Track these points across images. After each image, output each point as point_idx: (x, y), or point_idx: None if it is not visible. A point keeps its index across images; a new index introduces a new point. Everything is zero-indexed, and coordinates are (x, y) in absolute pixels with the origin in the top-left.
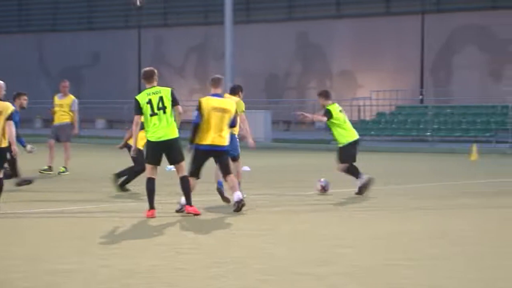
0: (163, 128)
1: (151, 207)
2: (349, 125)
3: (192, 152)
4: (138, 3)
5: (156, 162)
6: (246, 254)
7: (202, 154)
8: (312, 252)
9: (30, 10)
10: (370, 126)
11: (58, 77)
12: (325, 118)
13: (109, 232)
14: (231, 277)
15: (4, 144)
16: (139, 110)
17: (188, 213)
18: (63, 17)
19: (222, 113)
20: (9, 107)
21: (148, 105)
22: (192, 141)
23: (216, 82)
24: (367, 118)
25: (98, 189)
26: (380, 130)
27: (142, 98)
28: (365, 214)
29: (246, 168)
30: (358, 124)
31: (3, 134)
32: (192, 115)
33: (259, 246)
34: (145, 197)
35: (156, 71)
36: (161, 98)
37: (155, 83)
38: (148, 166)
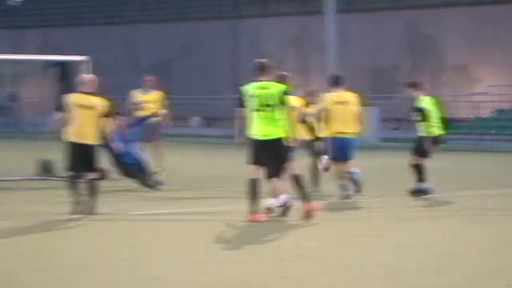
0: (265, 126)
1: (253, 210)
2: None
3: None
4: None
5: (260, 163)
6: (355, 261)
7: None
8: (422, 260)
9: (119, 0)
10: (489, 124)
11: (150, 72)
12: None
13: (207, 237)
14: (340, 285)
15: (94, 140)
16: (244, 103)
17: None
18: (153, 7)
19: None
20: (102, 103)
21: (255, 99)
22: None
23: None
24: (485, 116)
25: (194, 189)
26: (501, 128)
27: (251, 90)
28: (484, 217)
29: (357, 171)
30: (474, 122)
31: (95, 131)
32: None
33: (367, 252)
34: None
35: (270, 64)
36: (269, 94)
37: (265, 77)
38: (251, 166)
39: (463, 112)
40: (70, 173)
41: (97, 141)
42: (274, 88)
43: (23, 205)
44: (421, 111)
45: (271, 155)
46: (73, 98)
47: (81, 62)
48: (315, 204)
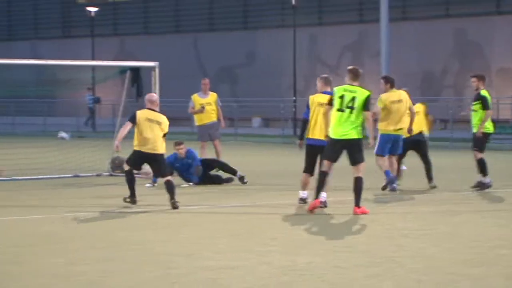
0: (343, 127)
1: (317, 197)
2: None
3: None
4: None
5: (333, 159)
6: (402, 254)
7: (310, 148)
8: (469, 253)
9: (186, 10)
10: None
11: (215, 76)
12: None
13: (265, 229)
14: (387, 276)
15: (160, 150)
16: (331, 102)
17: (355, 214)
18: (219, 16)
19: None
20: (166, 121)
21: (340, 100)
22: (301, 137)
23: (327, 81)
24: None
25: (254, 186)
26: None
27: (338, 91)
28: None
29: (403, 167)
30: None
31: (161, 142)
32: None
33: (415, 246)
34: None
35: (361, 71)
36: (354, 98)
37: (356, 83)
38: (325, 161)
39: (506, 113)
40: (128, 168)
41: (162, 150)
42: (360, 92)
43: (103, 199)
44: (483, 99)
45: (349, 154)
46: (143, 113)
47: (152, 68)
48: (364, 208)
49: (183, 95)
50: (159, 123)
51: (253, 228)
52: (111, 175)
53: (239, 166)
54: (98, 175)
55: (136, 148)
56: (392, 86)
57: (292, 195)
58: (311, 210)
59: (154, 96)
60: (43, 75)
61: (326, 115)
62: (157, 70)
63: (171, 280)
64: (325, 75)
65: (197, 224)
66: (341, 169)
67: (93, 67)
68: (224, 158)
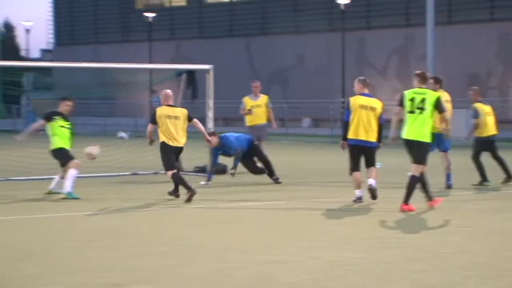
0: (414, 127)
1: (430, 197)
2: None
3: (347, 149)
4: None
5: (425, 161)
6: (448, 249)
7: (354, 149)
8: None
9: (239, 15)
10: None
11: (266, 79)
12: None
13: (313, 225)
14: (434, 271)
15: (184, 143)
16: (401, 103)
17: (403, 211)
18: (271, 21)
19: (369, 110)
20: (183, 112)
21: (410, 102)
22: (344, 138)
23: (365, 83)
24: None
25: (303, 184)
26: None
27: (408, 94)
28: None
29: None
30: None
31: (184, 135)
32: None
33: (461, 242)
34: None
35: (428, 75)
36: (424, 99)
37: (424, 85)
38: (417, 165)
39: None
40: (172, 172)
41: (185, 143)
42: (429, 94)
43: (155, 196)
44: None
45: (411, 153)
46: (162, 111)
47: (206, 71)
48: (411, 206)
49: (236, 96)
50: (177, 117)
51: (302, 224)
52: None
53: (289, 164)
54: (155, 173)
55: (164, 146)
56: (441, 87)
57: (339, 192)
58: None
59: (169, 92)
60: (104, 78)
61: (399, 115)
62: (211, 72)
63: (225, 274)
64: (362, 77)
65: (248, 220)
66: (394, 166)
67: (151, 70)
68: (275, 157)
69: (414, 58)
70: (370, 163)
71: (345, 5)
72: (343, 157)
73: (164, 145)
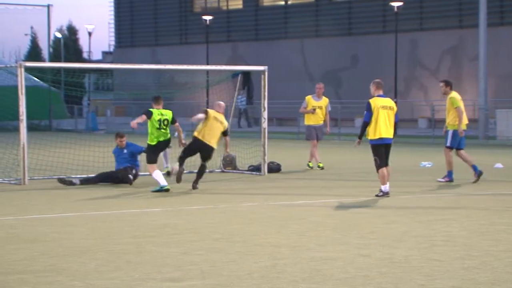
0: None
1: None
2: None
3: (372, 148)
4: (395, 9)
5: None
6: (498, 248)
7: (381, 147)
8: None
9: (293, 18)
10: None
11: (320, 80)
12: None
13: (363, 222)
14: (484, 269)
15: (215, 145)
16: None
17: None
18: (324, 23)
19: (388, 110)
20: (225, 123)
21: None
22: (360, 137)
23: (380, 85)
24: None
25: (353, 182)
26: None
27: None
28: None
29: (498, 165)
30: None
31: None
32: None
33: (510, 241)
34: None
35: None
36: None
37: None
38: None
39: None
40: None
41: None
42: None
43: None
44: None
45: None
46: (211, 113)
47: (261, 72)
48: None
49: (289, 97)
50: (221, 122)
51: (352, 222)
52: (222, 171)
53: (341, 163)
54: (210, 172)
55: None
56: (451, 89)
57: (390, 191)
58: None
59: (222, 104)
60: (162, 79)
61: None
62: (266, 74)
63: (277, 270)
64: (377, 80)
65: (299, 217)
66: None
67: (208, 71)
68: (328, 155)
69: (467, 59)
70: (387, 160)
71: (398, 7)
72: (394, 157)
73: (195, 138)
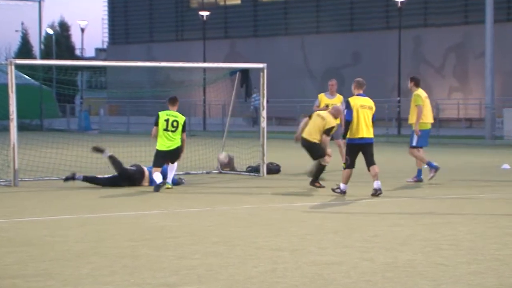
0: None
1: None
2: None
3: (347, 146)
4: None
5: None
6: (505, 252)
7: (355, 147)
8: None
9: (293, 14)
10: None
11: (321, 77)
12: None
13: (365, 226)
14: (491, 274)
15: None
16: None
17: None
18: (325, 19)
19: (367, 109)
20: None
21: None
22: (344, 136)
23: (360, 84)
24: None
25: (354, 184)
26: None
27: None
28: None
29: (506, 166)
30: None
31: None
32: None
33: None
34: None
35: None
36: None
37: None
38: None
39: None
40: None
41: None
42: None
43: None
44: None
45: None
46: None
47: (260, 69)
48: None
49: (290, 95)
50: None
51: (354, 225)
52: (220, 172)
53: (340, 162)
54: (207, 173)
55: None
56: (417, 86)
57: (391, 192)
58: None
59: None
60: (157, 77)
61: None
62: (265, 71)
63: (277, 274)
64: (359, 78)
65: (301, 220)
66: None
67: (205, 69)
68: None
69: (472, 56)
70: (371, 161)
71: (402, 2)
72: (397, 157)
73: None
